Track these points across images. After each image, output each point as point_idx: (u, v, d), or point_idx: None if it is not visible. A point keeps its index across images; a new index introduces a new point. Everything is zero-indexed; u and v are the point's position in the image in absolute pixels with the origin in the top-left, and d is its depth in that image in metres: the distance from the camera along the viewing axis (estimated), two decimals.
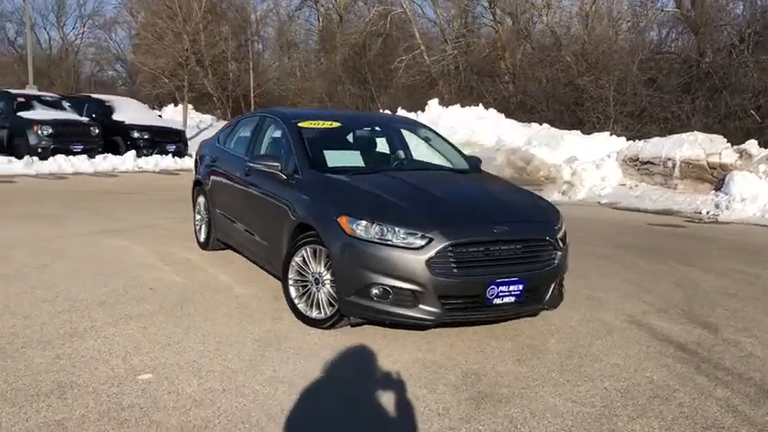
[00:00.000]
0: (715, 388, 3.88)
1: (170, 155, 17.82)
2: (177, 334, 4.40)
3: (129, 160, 16.45)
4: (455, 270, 4.20)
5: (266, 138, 5.98)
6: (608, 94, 19.76)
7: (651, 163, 13.50)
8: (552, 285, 4.63)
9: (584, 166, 14.28)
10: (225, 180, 6.30)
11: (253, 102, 31.83)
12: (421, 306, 4.20)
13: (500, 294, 4.30)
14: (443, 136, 6.25)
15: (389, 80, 26.25)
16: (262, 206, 5.38)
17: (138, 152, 17.14)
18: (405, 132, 6.31)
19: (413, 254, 4.16)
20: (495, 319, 4.67)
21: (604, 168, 14.11)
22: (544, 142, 15.82)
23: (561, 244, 4.70)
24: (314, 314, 4.62)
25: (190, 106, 30.91)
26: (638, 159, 13.76)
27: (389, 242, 4.20)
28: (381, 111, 18.12)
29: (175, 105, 31.31)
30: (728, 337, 4.80)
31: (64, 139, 15.69)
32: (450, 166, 5.90)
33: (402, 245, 4.19)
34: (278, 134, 5.85)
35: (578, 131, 16.94)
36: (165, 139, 18.30)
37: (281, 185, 5.14)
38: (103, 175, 15.07)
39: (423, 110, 18.28)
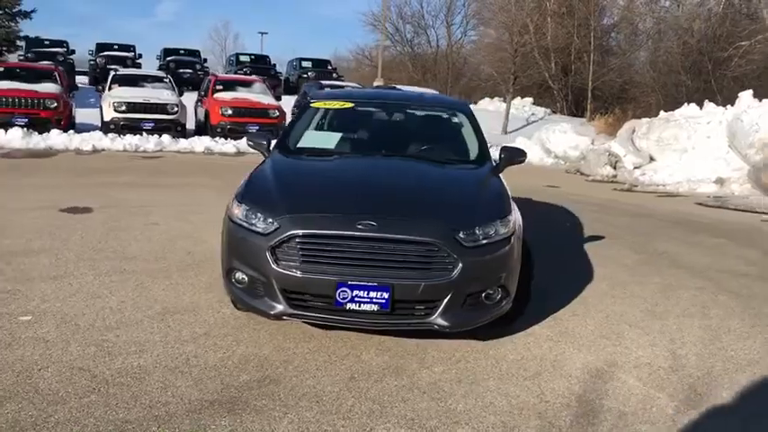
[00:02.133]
0: None
1: None
2: None
3: None
4: (301, 263, 3.84)
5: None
6: None
7: None
8: (456, 300, 3.86)
9: None
10: None
11: (590, 95, 30.60)
12: (265, 298, 3.96)
13: (356, 299, 3.78)
14: (478, 127, 5.50)
15: (722, 69, 22.61)
16: None
17: None
18: (436, 117, 5.80)
19: (260, 240, 3.94)
20: (369, 328, 4.08)
21: None
22: None
23: (477, 252, 3.89)
24: None
25: (528, 99, 31.13)
26: None
27: (251, 227, 4.03)
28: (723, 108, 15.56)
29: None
30: None
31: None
32: (451, 156, 5.28)
33: (257, 230, 3.99)
34: None
35: None
36: None
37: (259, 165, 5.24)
38: None
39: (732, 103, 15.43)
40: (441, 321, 3.88)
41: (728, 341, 4.63)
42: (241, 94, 17.65)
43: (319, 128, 5.60)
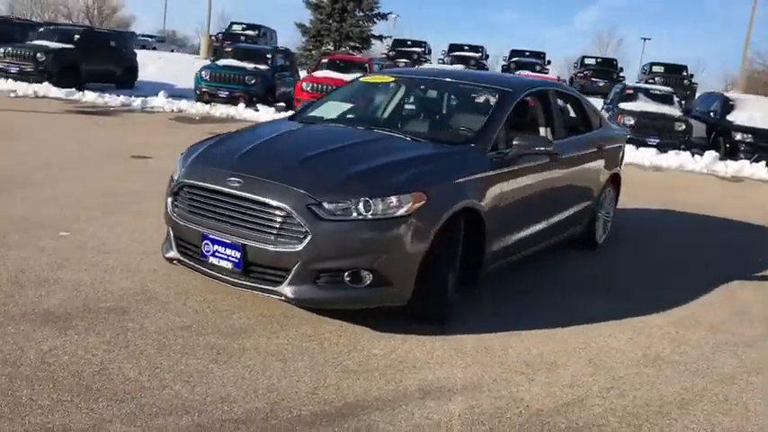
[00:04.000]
0: None
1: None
2: None
3: (704, 160, 15.26)
4: (187, 213, 4.04)
5: None
6: None
7: None
8: (306, 274, 3.65)
9: None
10: None
11: None
12: (166, 244, 4.25)
13: (216, 254, 3.86)
14: (498, 109, 4.87)
15: None
16: None
17: (735, 156, 15.58)
18: (467, 97, 5.32)
19: (169, 187, 4.23)
20: (233, 284, 3.91)
21: None
22: None
23: (338, 227, 3.62)
24: None
25: None
26: None
27: (173, 173, 4.33)
28: None
29: None
30: None
31: (643, 131, 15.88)
32: (445, 134, 4.90)
33: (173, 176, 4.28)
34: None
35: None
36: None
37: None
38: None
39: None
40: (288, 293, 3.70)
41: None
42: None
43: (345, 100, 5.55)
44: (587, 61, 32.30)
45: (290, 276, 3.68)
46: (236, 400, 3.06)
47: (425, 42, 32.98)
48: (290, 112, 5.68)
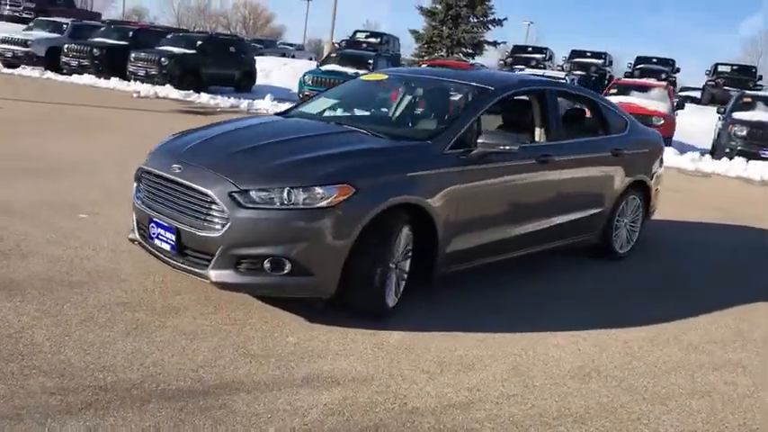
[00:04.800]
0: None
1: None
2: None
3: None
4: (144, 197, 4.30)
5: None
6: None
7: None
8: (228, 259, 3.78)
9: None
10: None
11: None
12: (131, 226, 4.54)
13: (159, 236, 4.10)
14: (470, 106, 4.75)
15: None
16: None
17: None
18: (445, 95, 5.25)
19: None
20: (172, 265, 4.09)
21: None
22: None
23: (258, 215, 3.72)
24: None
25: None
26: None
27: None
28: None
29: None
30: None
31: (755, 143, 14.65)
32: (409, 130, 4.94)
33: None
34: None
35: None
36: None
37: None
38: None
39: None
40: (212, 277, 3.84)
41: None
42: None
43: (337, 96, 5.61)
44: (721, 68, 30.00)
45: (213, 261, 3.83)
46: (116, 370, 3.25)
47: (547, 49, 32.13)
48: None
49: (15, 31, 24.09)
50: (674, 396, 3.61)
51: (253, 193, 3.77)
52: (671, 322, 4.69)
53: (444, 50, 26.33)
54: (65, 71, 20.18)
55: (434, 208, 4.23)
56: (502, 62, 30.69)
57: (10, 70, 20.71)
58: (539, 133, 5.23)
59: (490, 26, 27.00)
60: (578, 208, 5.52)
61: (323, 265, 3.83)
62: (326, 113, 5.32)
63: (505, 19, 26.99)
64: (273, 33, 78.16)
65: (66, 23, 22.78)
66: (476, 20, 26.75)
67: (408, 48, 32.63)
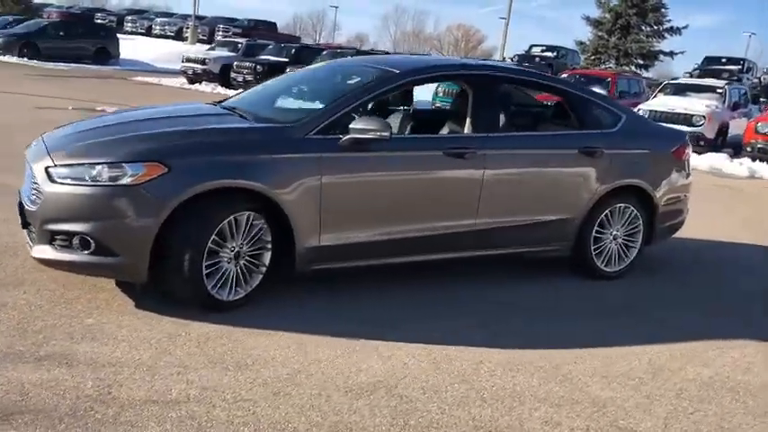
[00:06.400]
0: None
1: None
2: None
3: None
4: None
5: None
6: None
7: None
8: (44, 234, 3.74)
9: None
10: None
11: None
12: None
13: (21, 212, 4.22)
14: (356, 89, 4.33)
15: None
16: None
17: None
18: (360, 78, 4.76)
19: None
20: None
21: None
22: None
23: (65, 191, 3.70)
24: None
25: None
26: None
27: None
28: None
29: None
30: None
31: None
32: (280, 113, 4.63)
33: None
34: None
35: None
36: None
37: None
38: None
39: None
40: (34, 252, 3.85)
41: None
42: None
43: (274, 86, 5.36)
44: None
45: (35, 236, 3.86)
46: None
47: (745, 60, 28.70)
48: None
49: (199, 50, 26.76)
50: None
51: (63, 169, 3.74)
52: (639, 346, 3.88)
53: (612, 61, 24.58)
54: (233, 85, 22.02)
55: (285, 196, 3.91)
56: (688, 74, 27.94)
57: (192, 85, 23.01)
58: (467, 124, 4.63)
59: (666, 35, 24.72)
60: (522, 212, 4.78)
61: (127, 246, 3.67)
62: (241, 98, 5.18)
63: (685, 27, 24.58)
64: (485, 54, 78.55)
65: (241, 43, 24.88)
66: (649, 29, 24.64)
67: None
